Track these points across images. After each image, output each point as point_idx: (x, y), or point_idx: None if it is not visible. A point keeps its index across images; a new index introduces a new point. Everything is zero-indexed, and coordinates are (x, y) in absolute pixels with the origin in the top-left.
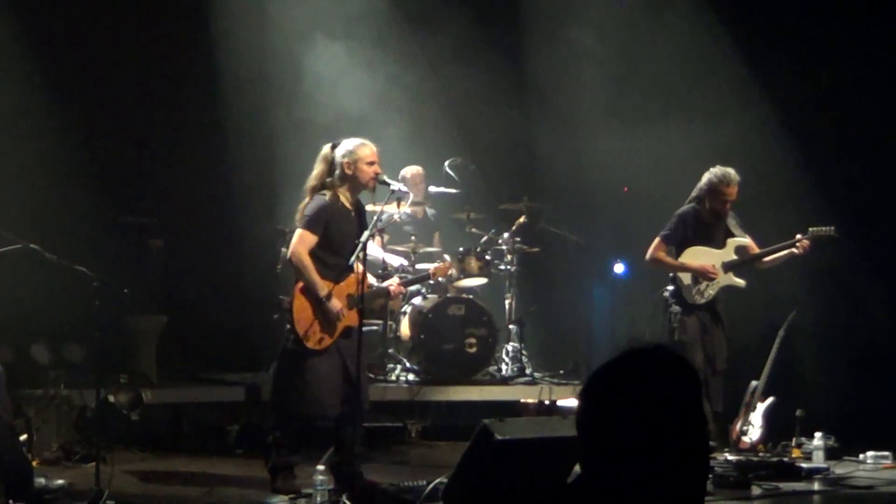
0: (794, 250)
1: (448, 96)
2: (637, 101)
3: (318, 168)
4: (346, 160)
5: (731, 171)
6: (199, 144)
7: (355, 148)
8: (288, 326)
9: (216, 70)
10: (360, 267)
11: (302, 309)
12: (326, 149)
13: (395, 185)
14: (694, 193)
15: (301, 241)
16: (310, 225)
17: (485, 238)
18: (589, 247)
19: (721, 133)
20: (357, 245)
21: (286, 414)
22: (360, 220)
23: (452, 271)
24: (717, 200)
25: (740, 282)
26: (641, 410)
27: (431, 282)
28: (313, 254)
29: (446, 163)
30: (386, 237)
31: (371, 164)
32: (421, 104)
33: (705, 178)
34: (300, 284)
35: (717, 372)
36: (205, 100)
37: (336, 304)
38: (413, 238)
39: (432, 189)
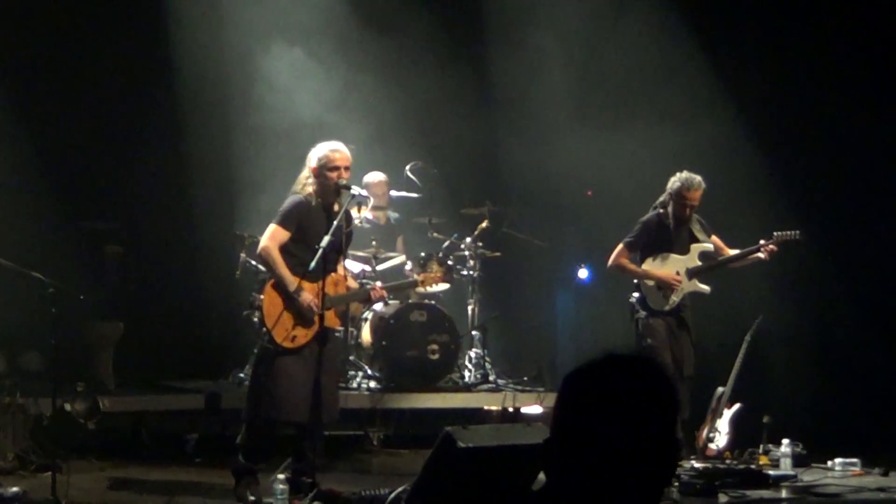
0: (760, 255)
1: (409, 100)
2: (602, 104)
3: (304, 170)
4: (313, 164)
5: (695, 176)
6: (158, 149)
7: (323, 153)
8: (263, 329)
9: (174, 74)
10: (341, 270)
11: (272, 305)
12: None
13: (354, 190)
14: (660, 199)
15: (272, 237)
16: (282, 220)
17: (447, 243)
18: (552, 251)
19: (687, 137)
20: (331, 249)
21: (257, 417)
22: (329, 224)
23: (442, 284)
24: (679, 205)
25: (705, 288)
26: (619, 415)
27: (421, 289)
28: (287, 250)
29: (407, 167)
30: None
31: (334, 169)
32: (382, 109)
33: (669, 183)
34: (271, 280)
35: (685, 378)
36: (163, 104)
37: (307, 296)
38: (374, 243)
39: (393, 193)
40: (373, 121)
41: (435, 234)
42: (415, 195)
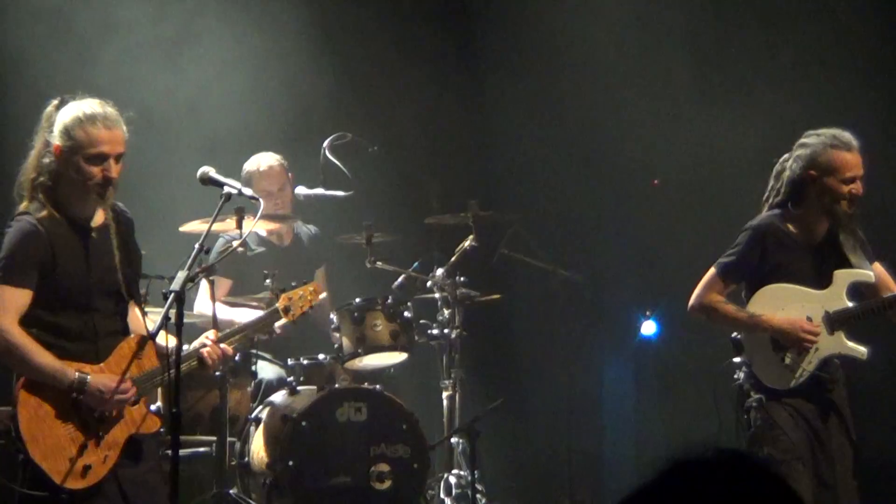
0: None
1: (325, 31)
2: (675, 46)
3: (35, 148)
4: (57, 142)
5: (844, 134)
6: None
7: (72, 119)
8: (21, 457)
9: None
10: (137, 322)
11: (35, 420)
12: (50, 108)
13: (231, 186)
14: (783, 187)
15: None
16: (8, 274)
17: (401, 278)
18: (593, 290)
19: (818, 99)
20: (105, 292)
21: None
22: (89, 252)
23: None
24: (834, 187)
25: (858, 349)
26: None
27: (283, 323)
28: (35, 320)
29: (326, 142)
30: (228, 282)
31: (95, 159)
32: (282, 50)
33: (801, 154)
34: (21, 380)
35: None
36: None
37: (101, 382)
38: (268, 281)
39: (301, 192)
40: (263, 74)
41: (379, 264)
42: (340, 193)
